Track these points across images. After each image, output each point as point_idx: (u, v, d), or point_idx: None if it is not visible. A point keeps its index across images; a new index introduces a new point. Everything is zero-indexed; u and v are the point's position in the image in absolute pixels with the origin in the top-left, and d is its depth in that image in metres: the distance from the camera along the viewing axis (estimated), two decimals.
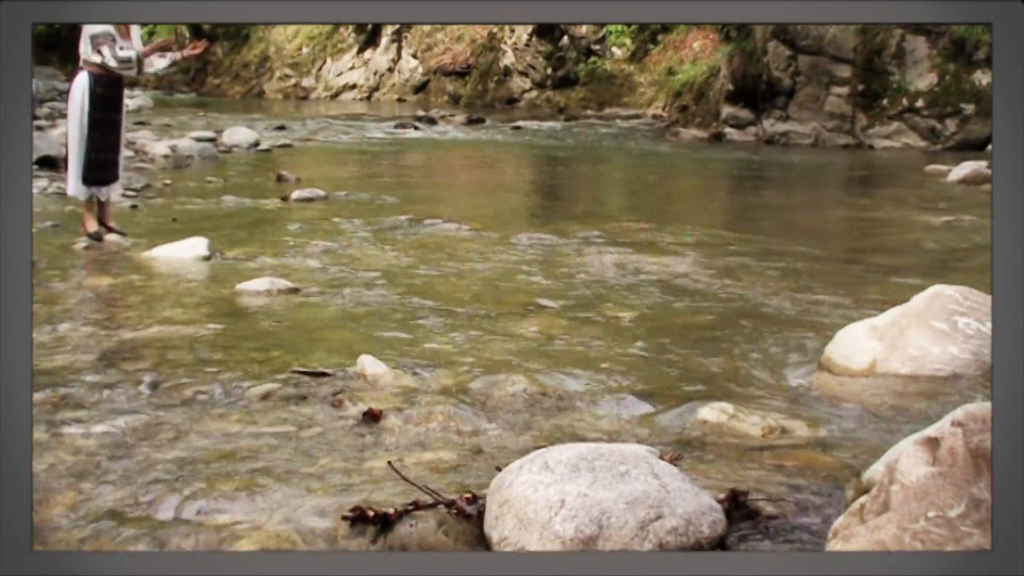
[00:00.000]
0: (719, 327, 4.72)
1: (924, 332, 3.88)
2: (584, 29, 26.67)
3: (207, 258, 6.15)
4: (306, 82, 32.12)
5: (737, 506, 2.53)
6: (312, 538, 2.46)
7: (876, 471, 2.45)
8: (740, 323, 4.79)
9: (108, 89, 6.57)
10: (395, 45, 30.44)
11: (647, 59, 25.85)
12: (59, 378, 3.70)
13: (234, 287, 5.33)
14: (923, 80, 16.22)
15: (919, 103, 16.23)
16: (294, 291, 5.28)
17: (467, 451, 3.08)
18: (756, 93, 17.31)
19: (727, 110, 17.96)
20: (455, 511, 2.51)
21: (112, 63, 6.45)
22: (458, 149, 16.28)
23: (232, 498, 2.67)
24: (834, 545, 2.20)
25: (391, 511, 2.48)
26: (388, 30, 30.47)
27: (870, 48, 16.32)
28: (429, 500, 2.54)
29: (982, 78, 15.61)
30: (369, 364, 3.81)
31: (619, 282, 5.75)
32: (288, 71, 32.60)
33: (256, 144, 14.50)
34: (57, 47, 26.16)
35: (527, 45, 27.41)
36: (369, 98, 30.44)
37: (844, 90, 16.59)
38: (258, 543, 2.43)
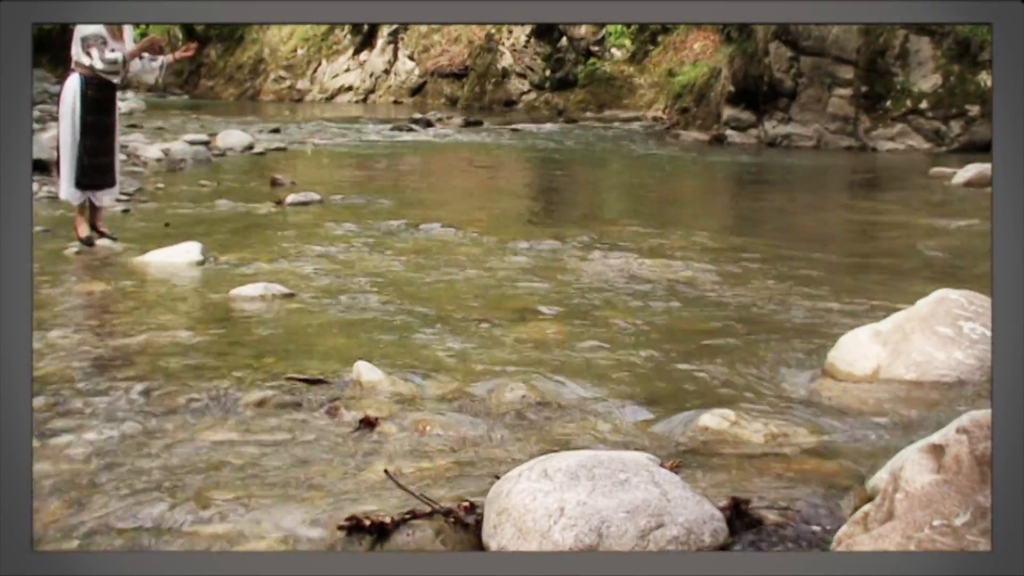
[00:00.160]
0: (720, 332, 4.69)
1: (929, 337, 3.85)
2: (583, 30, 26.69)
3: (200, 263, 6.12)
4: (301, 84, 32.18)
5: (739, 514, 2.51)
6: (307, 548, 2.43)
7: (880, 479, 2.44)
8: (742, 328, 4.76)
9: (99, 92, 6.51)
10: (391, 47, 30.47)
11: (647, 60, 25.87)
12: (49, 386, 3.66)
13: (228, 293, 5.29)
14: (927, 81, 16.19)
15: (923, 104, 16.20)
16: (289, 296, 5.25)
17: (465, 459, 3.05)
18: (758, 95, 17.29)
19: (728, 112, 17.95)
20: (453, 520, 2.49)
21: (99, 65, 6.40)
22: (455, 152, 16.28)
23: (225, 507, 2.64)
24: None
25: (387, 520, 2.46)
26: (384, 31, 30.52)
27: (873, 49, 16.30)
28: (426, 509, 2.53)
29: (987, 79, 15.54)
30: (365, 370, 3.78)
31: (619, 287, 5.72)
32: (283, 73, 32.65)
33: (250, 147, 14.49)
34: (48, 48, 25.94)
35: (525, 46, 27.44)
36: (365, 100, 30.49)
37: (847, 91, 16.57)
38: None
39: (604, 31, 26.70)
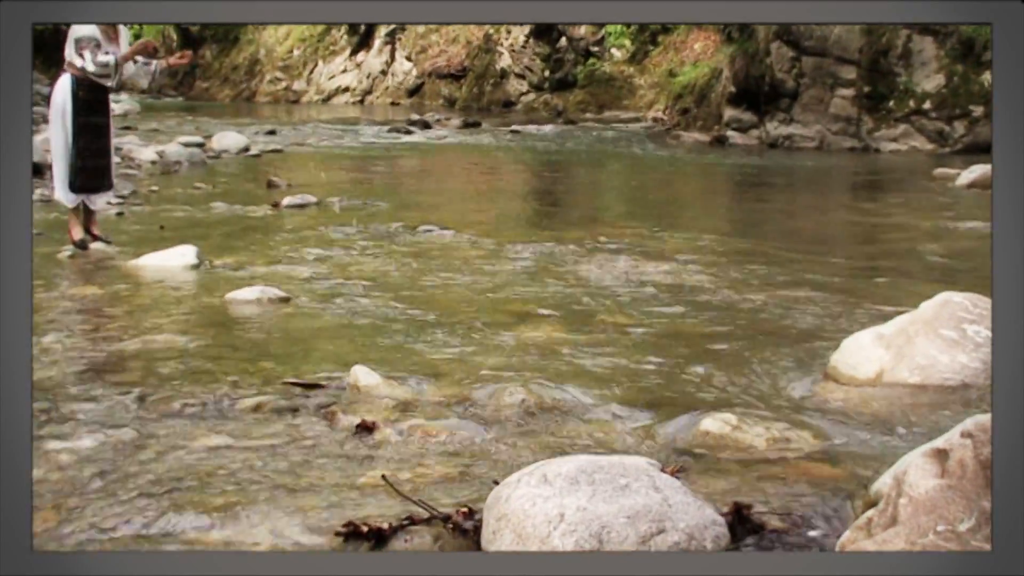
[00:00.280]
0: (721, 336, 4.66)
1: (932, 340, 3.82)
2: (583, 30, 26.69)
3: (195, 267, 6.09)
4: (297, 85, 32.18)
5: (741, 519, 2.49)
6: None
7: (884, 483, 2.42)
8: (743, 332, 4.74)
9: (91, 93, 6.46)
10: (388, 47, 30.48)
11: (647, 61, 25.87)
12: (43, 391, 3.63)
13: (223, 296, 5.26)
14: (930, 81, 16.16)
15: (926, 105, 16.18)
16: (285, 300, 5.22)
17: (463, 463, 3.03)
18: (759, 95, 17.28)
19: (729, 113, 17.94)
20: (451, 526, 2.48)
21: (91, 68, 6.35)
22: (454, 153, 16.26)
23: (221, 513, 2.62)
24: None
25: (385, 526, 2.45)
26: (381, 31, 30.53)
27: (876, 49, 16.28)
28: (425, 514, 2.52)
29: (990, 79, 15.53)
30: (362, 375, 3.76)
31: (620, 290, 5.69)
32: (279, 74, 32.66)
33: (246, 149, 14.48)
34: (40, 49, 26.11)
35: (524, 47, 27.43)
36: (362, 101, 30.50)
37: (849, 92, 16.55)
38: None
39: (604, 31, 26.70)
